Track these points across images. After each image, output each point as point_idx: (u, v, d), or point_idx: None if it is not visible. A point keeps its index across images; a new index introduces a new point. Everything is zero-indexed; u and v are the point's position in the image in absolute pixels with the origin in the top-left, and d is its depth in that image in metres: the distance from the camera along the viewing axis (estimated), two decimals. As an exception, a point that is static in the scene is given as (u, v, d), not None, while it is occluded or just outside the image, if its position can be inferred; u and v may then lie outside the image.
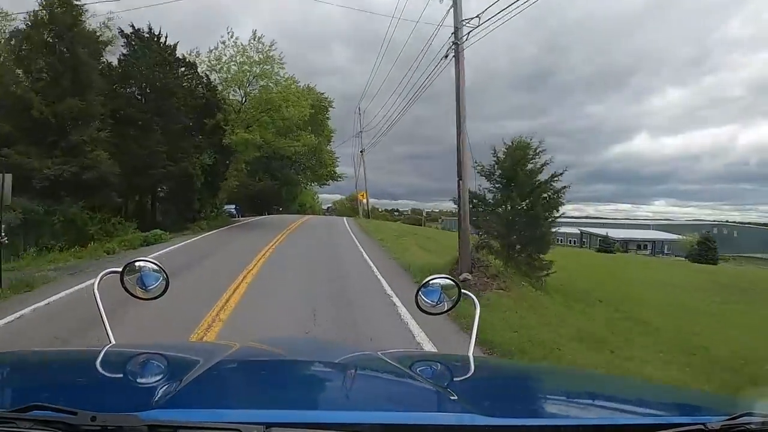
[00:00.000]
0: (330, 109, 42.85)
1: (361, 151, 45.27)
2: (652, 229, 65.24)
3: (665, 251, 54.76)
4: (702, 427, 0.82)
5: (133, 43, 22.01)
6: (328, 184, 54.01)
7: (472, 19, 12.14)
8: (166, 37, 23.06)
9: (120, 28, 21.88)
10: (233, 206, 36.55)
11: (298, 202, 59.97)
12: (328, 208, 73.86)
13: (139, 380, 1.19)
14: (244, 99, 26.81)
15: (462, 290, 1.71)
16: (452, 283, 1.71)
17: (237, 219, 32.62)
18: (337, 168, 48.89)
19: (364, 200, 43.36)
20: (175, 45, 23.59)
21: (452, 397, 1.00)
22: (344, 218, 39.05)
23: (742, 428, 0.83)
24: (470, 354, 1.61)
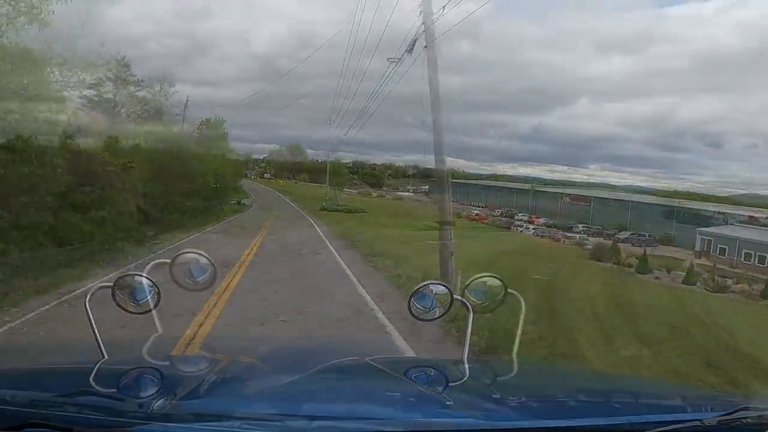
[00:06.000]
0: None
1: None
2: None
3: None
4: (699, 423, 0.83)
5: None
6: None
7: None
8: None
9: None
10: None
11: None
12: (263, 159, 49.91)
13: (132, 396, 1.18)
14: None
15: (454, 296, 1.66)
16: (445, 289, 1.67)
17: None
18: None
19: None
20: None
21: (448, 402, 1.00)
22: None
23: (738, 423, 0.84)
24: (464, 358, 1.61)
